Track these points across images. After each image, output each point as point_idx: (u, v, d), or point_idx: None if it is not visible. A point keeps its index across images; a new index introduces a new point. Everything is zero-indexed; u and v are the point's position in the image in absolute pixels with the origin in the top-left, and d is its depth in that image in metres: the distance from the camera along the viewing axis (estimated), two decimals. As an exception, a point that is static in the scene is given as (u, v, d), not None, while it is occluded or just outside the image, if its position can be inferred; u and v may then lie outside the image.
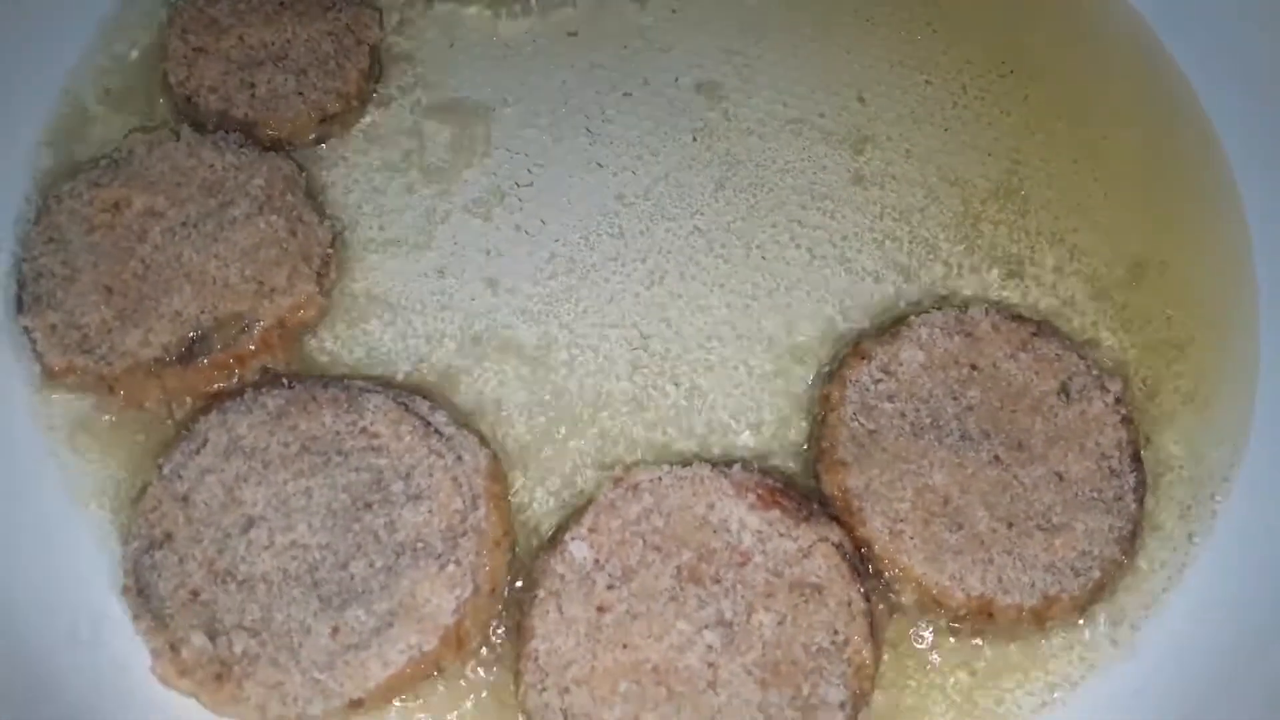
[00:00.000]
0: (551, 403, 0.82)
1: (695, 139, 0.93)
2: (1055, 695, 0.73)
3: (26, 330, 0.78)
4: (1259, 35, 0.97)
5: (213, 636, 0.68)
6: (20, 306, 0.79)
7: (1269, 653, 0.74)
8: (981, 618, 0.72)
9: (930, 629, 0.74)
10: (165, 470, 0.73)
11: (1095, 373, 0.78)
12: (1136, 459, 0.76)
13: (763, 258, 0.88)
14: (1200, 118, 0.96)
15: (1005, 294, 0.87)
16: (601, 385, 0.83)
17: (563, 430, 0.81)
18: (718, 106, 0.95)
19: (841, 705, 0.67)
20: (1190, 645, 0.75)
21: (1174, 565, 0.78)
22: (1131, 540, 0.74)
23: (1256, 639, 0.75)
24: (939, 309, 0.82)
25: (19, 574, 0.74)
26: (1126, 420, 0.77)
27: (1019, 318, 0.81)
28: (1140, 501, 0.75)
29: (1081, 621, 0.74)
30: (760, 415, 0.82)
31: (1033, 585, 0.71)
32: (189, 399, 0.79)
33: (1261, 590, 0.77)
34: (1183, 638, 0.75)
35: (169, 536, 0.71)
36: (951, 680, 0.73)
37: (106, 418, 0.79)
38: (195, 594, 0.69)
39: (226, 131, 0.87)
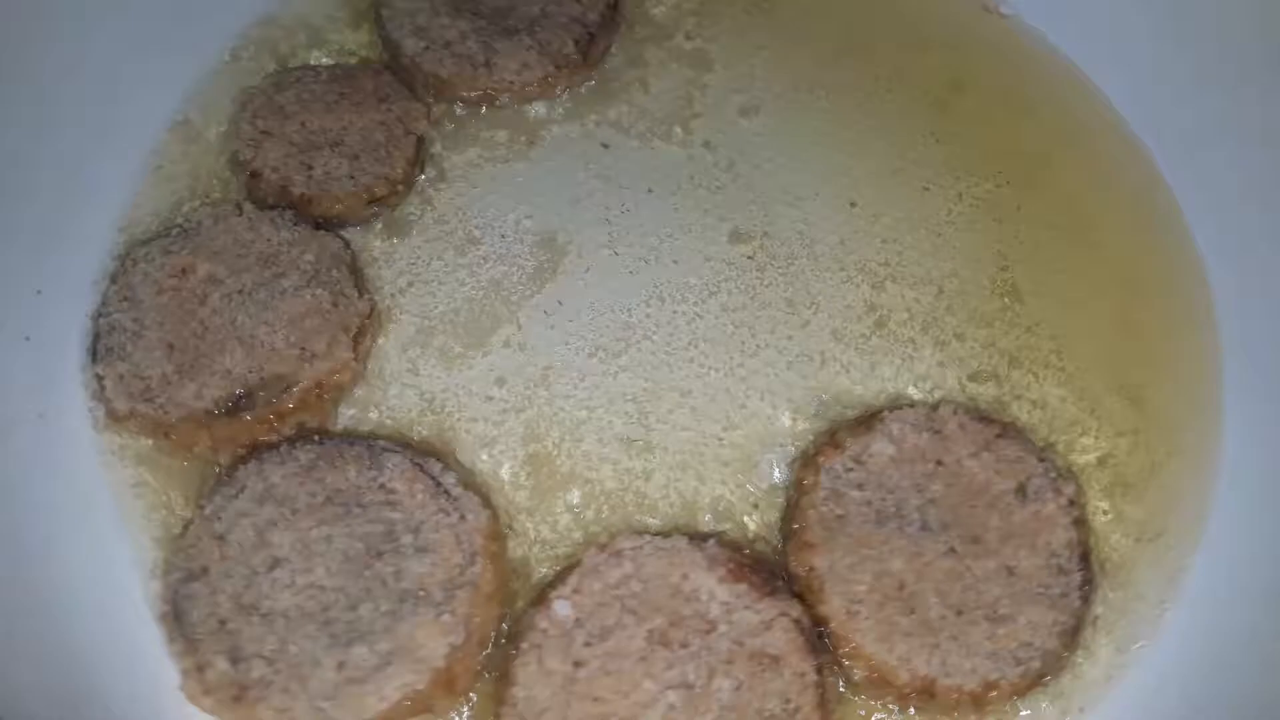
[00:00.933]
0: (550, 468, 0.90)
1: (703, 233, 1.02)
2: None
3: (98, 377, 0.89)
4: (1245, 152, 1.02)
5: (234, 662, 0.77)
6: (94, 355, 0.90)
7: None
8: (924, 696, 0.78)
9: (876, 703, 0.80)
10: (206, 511, 0.83)
11: (1052, 475, 0.84)
12: (1085, 559, 0.82)
13: (758, 346, 0.96)
14: (1187, 240, 1.02)
15: (979, 392, 0.94)
16: (596, 455, 0.91)
17: (557, 495, 0.89)
18: (716, 199, 1.03)
19: (788, 768, 0.74)
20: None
21: (1117, 666, 0.83)
22: (1074, 635, 0.80)
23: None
24: (911, 405, 0.89)
25: (71, 591, 0.84)
26: (1078, 522, 0.83)
27: (985, 419, 0.88)
28: (1086, 599, 0.81)
29: (1020, 707, 0.80)
30: (741, 494, 0.89)
31: (974, 670, 0.77)
32: (233, 447, 0.89)
33: (1203, 702, 0.81)
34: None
35: (205, 570, 0.80)
36: (894, 752, 0.79)
37: (159, 459, 0.89)
38: (223, 623, 0.78)
39: (284, 208, 0.98)
